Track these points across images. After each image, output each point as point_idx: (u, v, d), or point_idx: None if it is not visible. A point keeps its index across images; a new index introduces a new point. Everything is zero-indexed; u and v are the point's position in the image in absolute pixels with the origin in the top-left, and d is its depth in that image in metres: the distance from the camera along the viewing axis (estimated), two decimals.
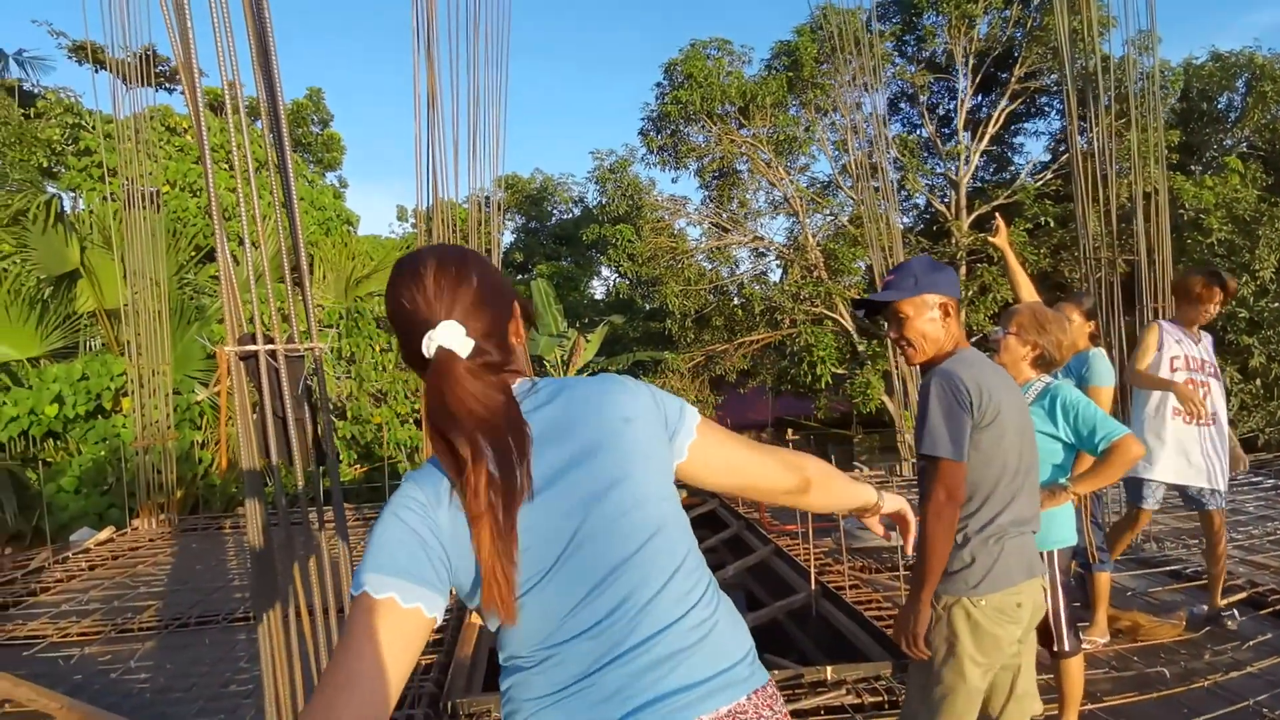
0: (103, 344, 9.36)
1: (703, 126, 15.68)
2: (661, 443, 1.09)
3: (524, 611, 0.99)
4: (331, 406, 10.13)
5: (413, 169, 4.91)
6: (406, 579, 0.92)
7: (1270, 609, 3.96)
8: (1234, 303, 11.86)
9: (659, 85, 15.97)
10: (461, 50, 5.62)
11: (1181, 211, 12.23)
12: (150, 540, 6.26)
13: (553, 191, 23.91)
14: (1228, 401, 12.50)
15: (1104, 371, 3.47)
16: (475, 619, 4.25)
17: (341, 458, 10.27)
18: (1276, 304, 11.68)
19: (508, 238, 23.81)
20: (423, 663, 3.55)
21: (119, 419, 7.95)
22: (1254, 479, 7.34)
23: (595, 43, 52.93)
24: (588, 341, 16.50)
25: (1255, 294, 11.75)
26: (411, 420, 10.39)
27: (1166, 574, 4.77)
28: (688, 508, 8.42)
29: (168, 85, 14.47)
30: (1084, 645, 3.13)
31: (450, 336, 1.00)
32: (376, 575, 0.92)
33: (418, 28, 4.85)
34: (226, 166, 11.25)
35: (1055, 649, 2.54)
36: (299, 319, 1.87)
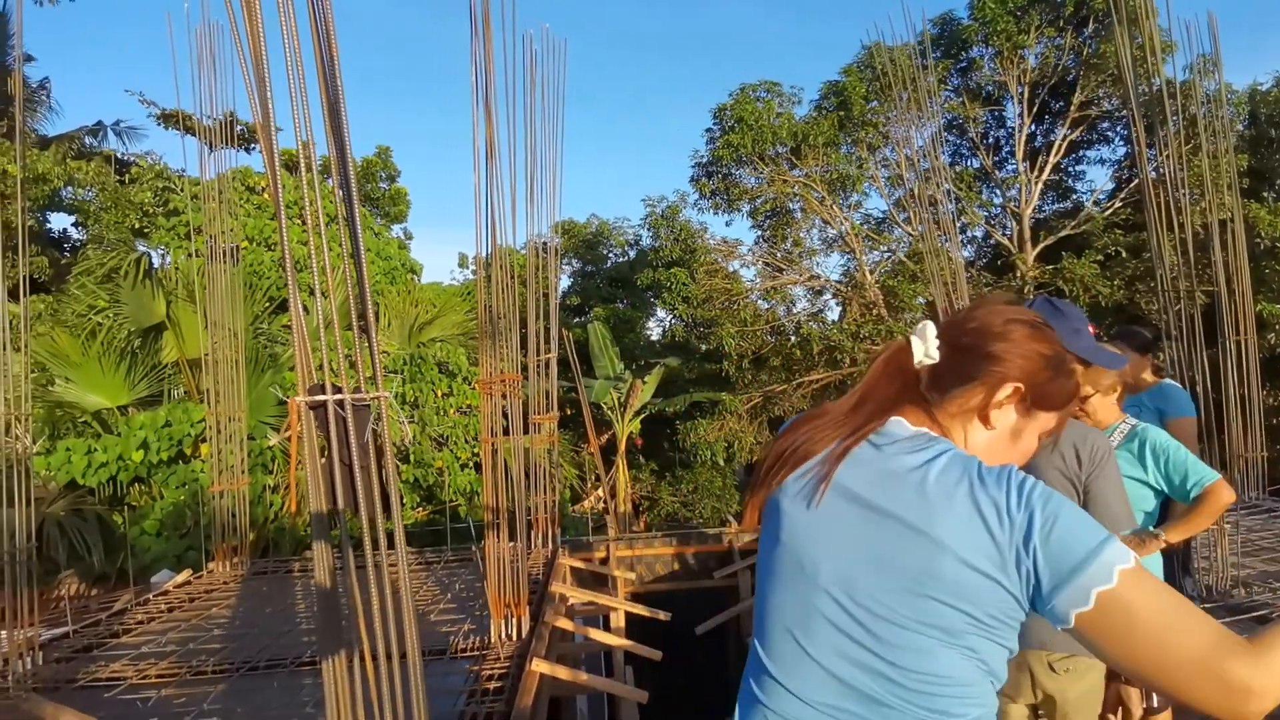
0: (185, 392, 9.83)
1: (754, 169, 15.76)
2: (996, 601, 0.89)
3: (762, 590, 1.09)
4: (395, 451, 10.36)
5: (472, 218, 5.07)
6: None
7: None
8: None
9: (709, 130, 16.16)
10: (519, 103, 5.81)
11: (1258, 240, 11.64)
12: (224, 583, 6.45)
13: (608, 235, 24.29)
14: None
15: (1183, 401, 3.33)
16: (536, 666, 4.22)
17: (405, 500, 10.45)
18: None
19: (565, 281, 24.21)
20: (484, 712, 3.53)
21: (198, 464, 8.29)
22: None
23: (648, 89, 54.20)
24: (644, 384, 16.52)
25: None
26: (471, 465, 10.52)
27: (1256, 620, 4.43)
28: (749, 551, 8.28)
29: (247, 146, 15.37)
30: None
31: (918, 341, 1.09)
32: None
33: (476, 84, 5.05)
34: (300, 222, 11.83)
35: (1144, 705, 2.39)
36: (365, 368, 1.93)
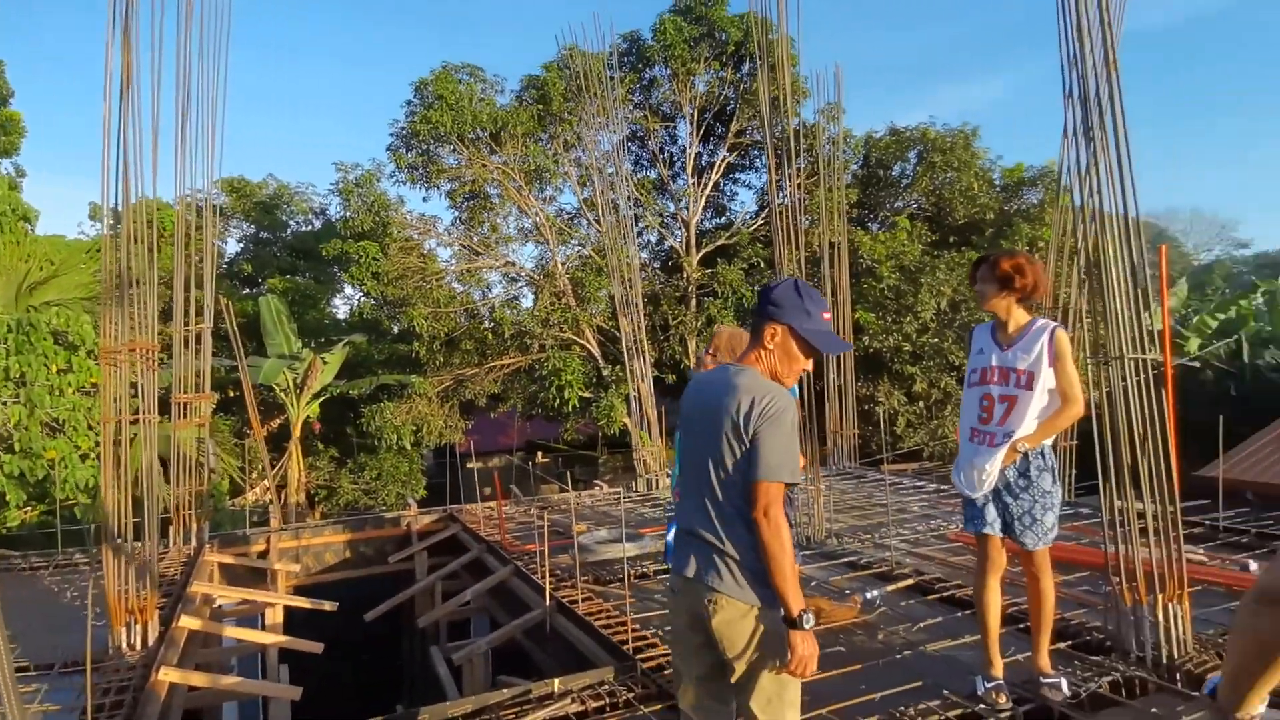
0: None
1: (454, 149, 15.51)
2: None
3: None
4: None
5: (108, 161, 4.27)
6: None
7: (936, 595, 4.69)
8: (899, 337, 14.21)
9: (409, 103, 15.55)
10: (170, 31, 5.08)
11: (860, 260, 14.45)
12: None
13: (288, 200, 22.02)
14: (895, 422, 14.48)
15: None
16: (165, 675, 3.78)
17: (9, 498, 8.51)
18: (935, 340, 14.21)
19: (234, 246, 21.48)
20: None
21: None
22: (918, 483, 8.85)
23: (345, 48, 50.08)
24: (325, 363, 15.37)
25: (918, 331, 14.20)
26: (94, 456, 8.87)
27: (844, 564, 5.55)
28: (427, 533, 8.18)
29: None
30: None
31: None
32: None
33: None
34: None
35: None
36: None
